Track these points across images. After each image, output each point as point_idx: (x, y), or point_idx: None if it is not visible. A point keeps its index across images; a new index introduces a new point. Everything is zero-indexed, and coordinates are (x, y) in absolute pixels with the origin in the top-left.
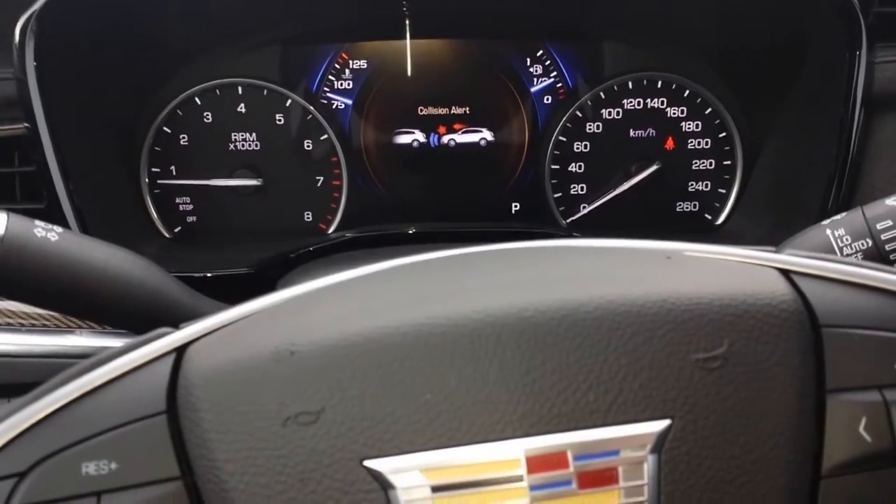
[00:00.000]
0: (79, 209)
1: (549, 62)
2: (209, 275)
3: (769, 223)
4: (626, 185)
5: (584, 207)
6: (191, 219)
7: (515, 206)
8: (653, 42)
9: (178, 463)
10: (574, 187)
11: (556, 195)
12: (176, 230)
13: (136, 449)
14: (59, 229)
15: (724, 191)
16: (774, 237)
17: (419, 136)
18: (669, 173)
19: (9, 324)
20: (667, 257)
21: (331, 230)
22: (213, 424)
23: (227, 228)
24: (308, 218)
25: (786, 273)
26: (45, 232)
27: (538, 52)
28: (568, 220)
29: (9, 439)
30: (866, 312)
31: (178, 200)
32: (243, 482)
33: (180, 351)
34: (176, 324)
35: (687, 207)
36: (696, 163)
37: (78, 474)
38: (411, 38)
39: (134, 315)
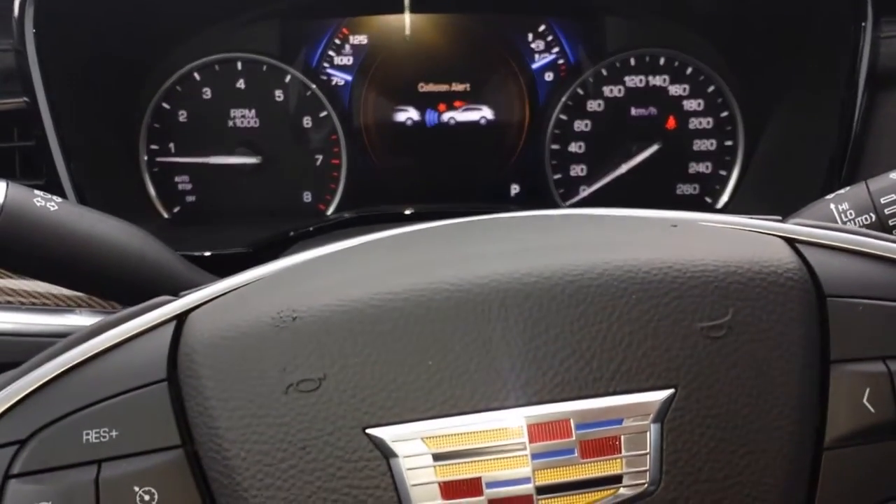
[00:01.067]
0: (78, 185)
1: (550, 38)
2: (207, 254)
3: (770, 206)
4: (625, 167)
5: (583, 190)
6: (189, 198)
7: (515, 188)
8: (655, 18)
9: (179, 431)
10: (574, 168)
11: (555, 176)
12: (175, 210)
13: (137, 417)
14: (58, 199)
15: (724, 172)
16: None
17: (419, 113)
18: (670, 154)
19: (9, 302)
20: (672, 226)
21: (330, 211)
22: (215, 392)
23: (225, 208)
24: (307, 198)
25: (791, 242)
26: (44, 202)
27: (540, 27)
28: (567, 203)
29: (9, 406)
30: (871, 283)
31: (176, 179)
32: (244, 450)
33: (181, 318)
34: (173, 294)
35: (687, 190)
36: (697, 143)
37: (78, 442)
38: (411, 12)
39: (132, 286)
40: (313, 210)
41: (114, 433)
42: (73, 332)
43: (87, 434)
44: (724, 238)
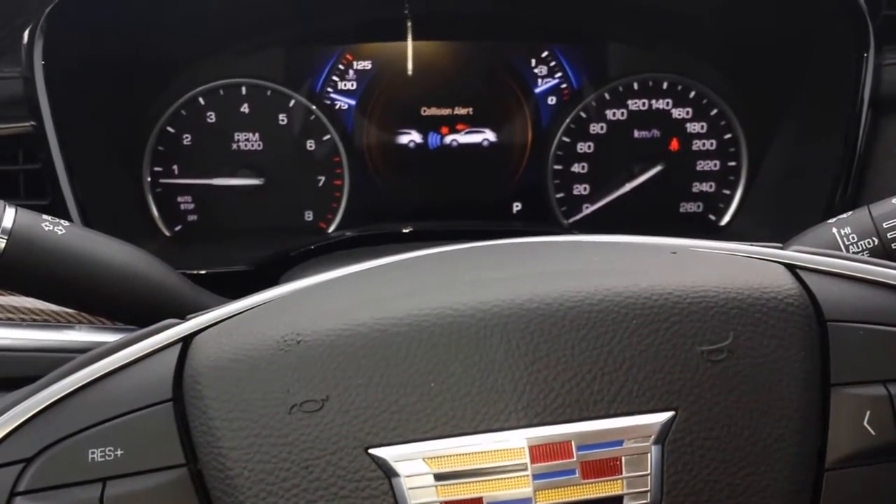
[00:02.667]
0: (83, 207)
1: (554, 63)
2: (207, 272)
3: (773, 224)
4: (628, 186)
5: (586, 207)
6: (191, 217)
7: (517, 206)
8: (658, 43)
9: (183, 450)
10: (577, 187)
11: (558, 195)
12: (176, 229)
13: (142, 436)
14: (65, 223)
15: (728, 192)
16: (779, 238)
17: (422, 136)
18: (673, 174)
19: (10, 318)
20: (672, 252)
21: (331, 229)
22: (219, 412)
23: (226, 227)
24: (308, 217)
25: (792, 268)
26: (52, 226)
27: (543, 53)
28: (570, 221)
29: (16, 425)
30: (871, 308)
31: (179, 199)
32: (248, 469)
33: (187, 341)
34: (179, 317)
35: (691, 208)
36: (700, 164)
37: (84, 461)
38: (414, 39)
39: (139, 308)
40: (314, 229)
41: (119, 452)
42: (70, 348)
43: (93, 453)
44: (724, 264)
